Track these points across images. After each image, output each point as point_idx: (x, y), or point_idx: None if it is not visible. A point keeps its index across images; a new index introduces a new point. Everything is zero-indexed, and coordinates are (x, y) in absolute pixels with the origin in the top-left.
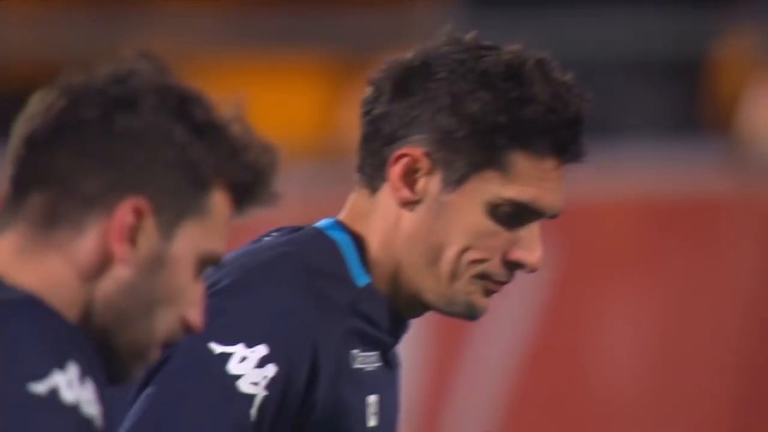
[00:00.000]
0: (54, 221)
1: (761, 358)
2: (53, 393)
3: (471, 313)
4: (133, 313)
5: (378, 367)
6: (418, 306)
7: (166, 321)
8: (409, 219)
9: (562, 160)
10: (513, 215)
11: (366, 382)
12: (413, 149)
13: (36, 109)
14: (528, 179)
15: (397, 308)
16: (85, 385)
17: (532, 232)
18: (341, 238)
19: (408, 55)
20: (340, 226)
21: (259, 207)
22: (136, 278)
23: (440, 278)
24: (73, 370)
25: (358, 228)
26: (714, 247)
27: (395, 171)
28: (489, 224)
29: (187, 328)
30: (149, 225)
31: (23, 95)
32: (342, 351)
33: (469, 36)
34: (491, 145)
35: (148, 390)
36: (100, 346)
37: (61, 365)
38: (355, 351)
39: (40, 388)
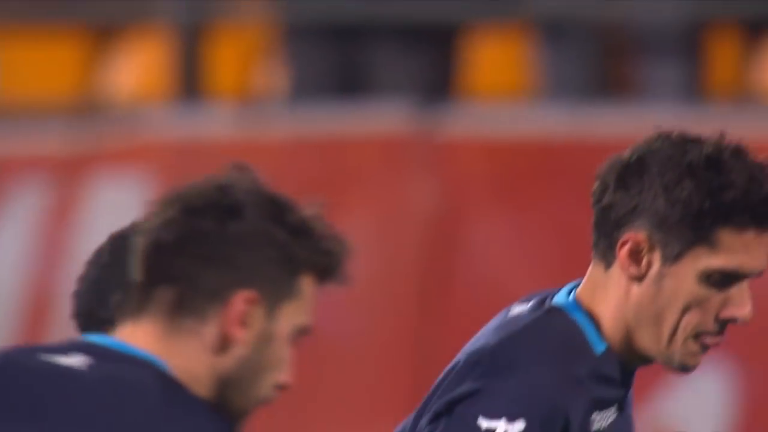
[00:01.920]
0: (181, 311)
1: None
2: None
3: (684, 370)
4: (246, 382)
5: (612, 420)
6: (642, 360)
7: (267, 385)
8: (636, 290)
9: (762, 230)
10: (723, 280)
11: None
12: (636, 233)
13: (159, 219)
14: (733, 250)
15: (626, 363)
16: None
17: (741, 289)
18: (579, 317)
19: (626, 152)
20: (577, 304)
21: (336, 284)
22: (249, 353)
23: (661, 339)
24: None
25: (596, 297)
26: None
27: (623, 252)
28: (703, 290)
29: (281, 388)
30: (258, 310)
31: None
32: (585, 418)
33: (676, 132)
34: (700, 226)
35: None
36: (218, 408)
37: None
38: (594, 415)
39: None
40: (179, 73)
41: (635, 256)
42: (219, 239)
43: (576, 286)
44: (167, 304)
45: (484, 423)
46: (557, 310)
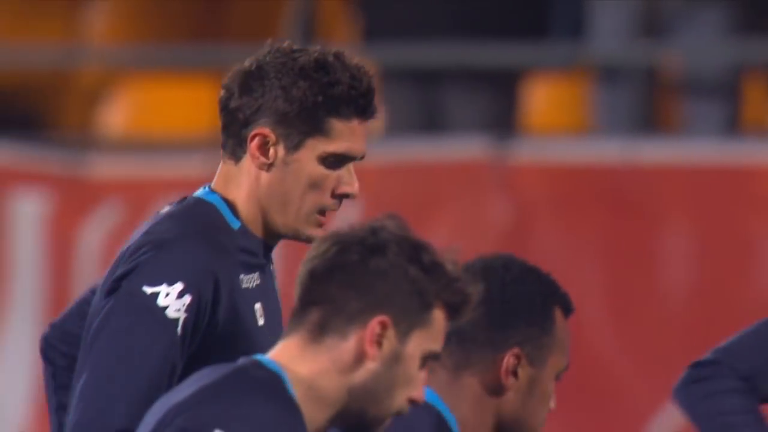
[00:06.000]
0: (325, 331)
1: None
2: None
3: (309, 240)
4: (379, 394)
5: (258, 283)
6: (276, 236)
7: (400, 399)
8: (266, 177)
9: (363, 119)
10: (335, 162)
11: (251, 296)
12: (263, 129)
13: (315, 252)
14: (342, 136)
15: (264, 239)
16: None
17: (349, 171)
18: (215, 200)
19: (246, 63)
20: (212, 191)
21: (463, 318)
22: (381, 370)
23: (289, 216)
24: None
25: (229, 188)
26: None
27: (253, 146)
28: (321, 171)
29: (412, 403)
30: (391, 334)
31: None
32: (233, 278)
33: (285, 44)
34: (314, 118)
35: (98, 326)
36: (356, 418)
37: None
38: (241, 276)
39: None
40: None
41: (263, 148)
42: (362, 271)
43: (209, 185)
44: (314, 324)
45: (148, 289)
46: (197, 199)
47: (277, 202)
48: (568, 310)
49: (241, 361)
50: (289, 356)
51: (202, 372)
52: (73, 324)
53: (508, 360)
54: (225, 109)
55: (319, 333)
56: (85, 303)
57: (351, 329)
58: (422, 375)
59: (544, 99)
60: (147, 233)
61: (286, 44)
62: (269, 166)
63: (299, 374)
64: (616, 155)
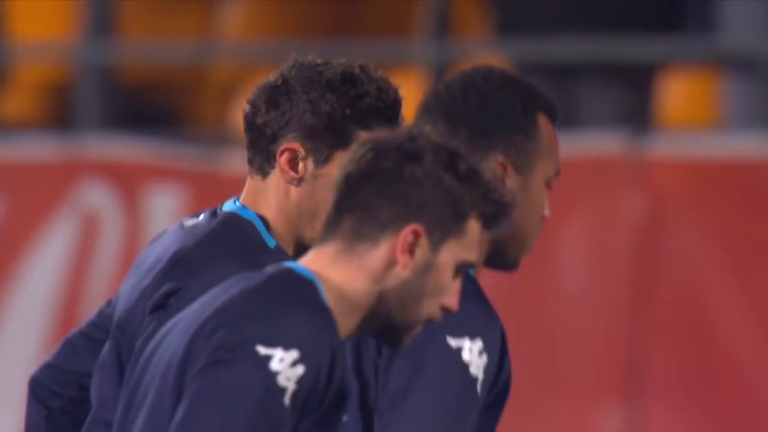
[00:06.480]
0: (358, 238)
1: None
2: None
3: None
4: (408, 301)
5: None
6: (304, 251)
7: (430, 307)
8: (295, 192)
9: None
10: None
11: None
12: (292, 143)
13: (353, 156)
14: None
15: (294, 256)
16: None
17: None
18: (252, 217)
19: (272, 78)
20: (245, 207)
21: (498, 229)
22: (411, 278)
23: (317, 230)
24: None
25: (258, 204)
26: None
27: (282, 160)
28: None
29: (444, 311)
30: (423, 242)
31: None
32: None
33: (310, 58)
34: (343, 131)
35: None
36: (384, 323)
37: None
38: None
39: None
40: None
41: (293, 162)
42: (397, 178)
43: (237, 200)
44: (347, 231)
45: None
46: (232, 215)
47: (306, 216)
48: (553, 115)
49: (272, 269)
50: (321, 263)
51: (232, 281)
52: (67, 362)
53: (494, 169)
54: (251, 125)
55: (352, 240)
56: (82, 337)
57: (383, 237)
58: (456, 284)
59: (679, 93)
60: (184, 250)
61: (310, 58)
62: (299, 181)
63: (332, 281)
64: (752, 150)
